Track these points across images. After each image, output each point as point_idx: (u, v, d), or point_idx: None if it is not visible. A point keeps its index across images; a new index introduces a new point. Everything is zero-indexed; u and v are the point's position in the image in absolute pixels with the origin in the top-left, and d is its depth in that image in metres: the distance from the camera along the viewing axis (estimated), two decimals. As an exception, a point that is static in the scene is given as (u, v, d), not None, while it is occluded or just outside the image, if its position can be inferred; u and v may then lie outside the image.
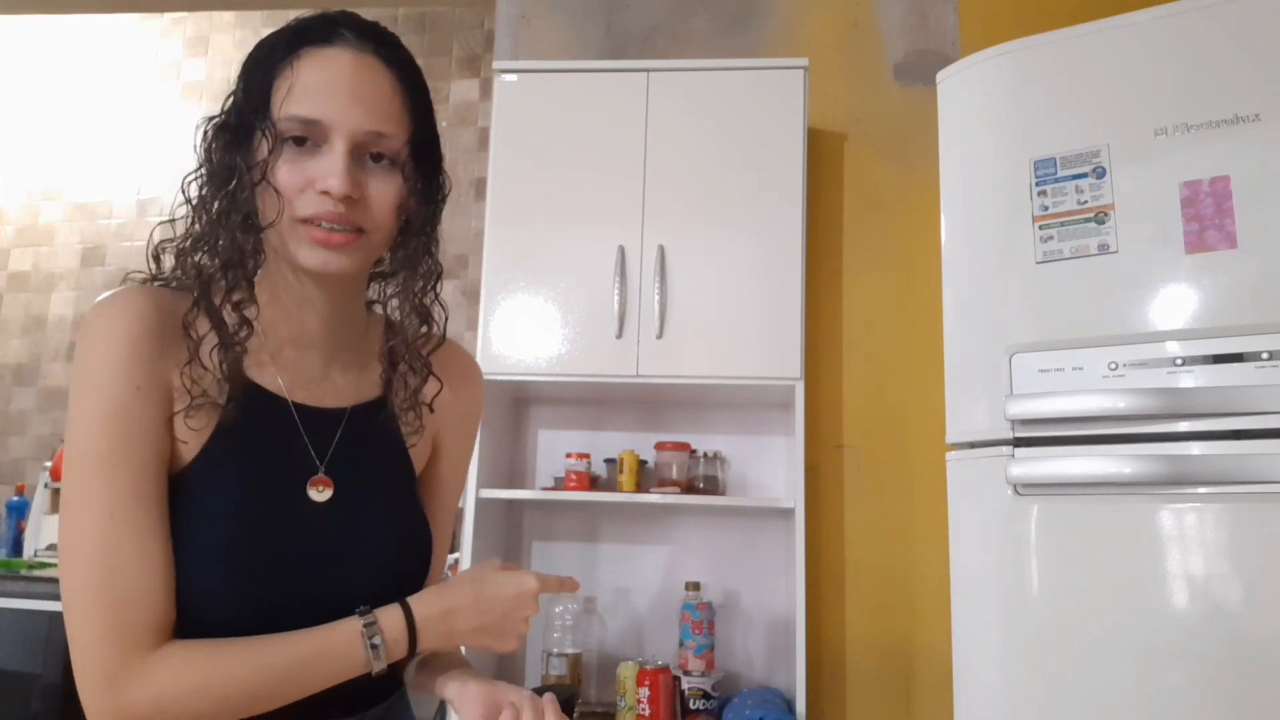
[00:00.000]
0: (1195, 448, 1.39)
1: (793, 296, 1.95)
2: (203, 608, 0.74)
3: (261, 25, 3.31)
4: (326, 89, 0.76)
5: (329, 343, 0.86)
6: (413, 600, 0.78)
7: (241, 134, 0.78)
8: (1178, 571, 1.36)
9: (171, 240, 0.79)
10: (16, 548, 2.76)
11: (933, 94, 1.78)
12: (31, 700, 2.19)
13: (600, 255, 1.99)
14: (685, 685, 1.87)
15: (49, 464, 2.85)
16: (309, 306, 0.83)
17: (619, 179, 2.02)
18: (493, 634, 0.82)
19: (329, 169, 0.75)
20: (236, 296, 0.78)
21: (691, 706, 1.85)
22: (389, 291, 0.88)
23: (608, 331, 1.96)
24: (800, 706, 1.80)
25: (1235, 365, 1.38)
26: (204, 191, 0.79)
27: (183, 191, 0.80)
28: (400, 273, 0.85)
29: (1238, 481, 1.35)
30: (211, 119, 0.80)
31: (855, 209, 2.29)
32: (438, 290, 0.88)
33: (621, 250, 1.98)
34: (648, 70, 2.07)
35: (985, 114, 1.68)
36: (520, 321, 1.99)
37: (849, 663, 2.09)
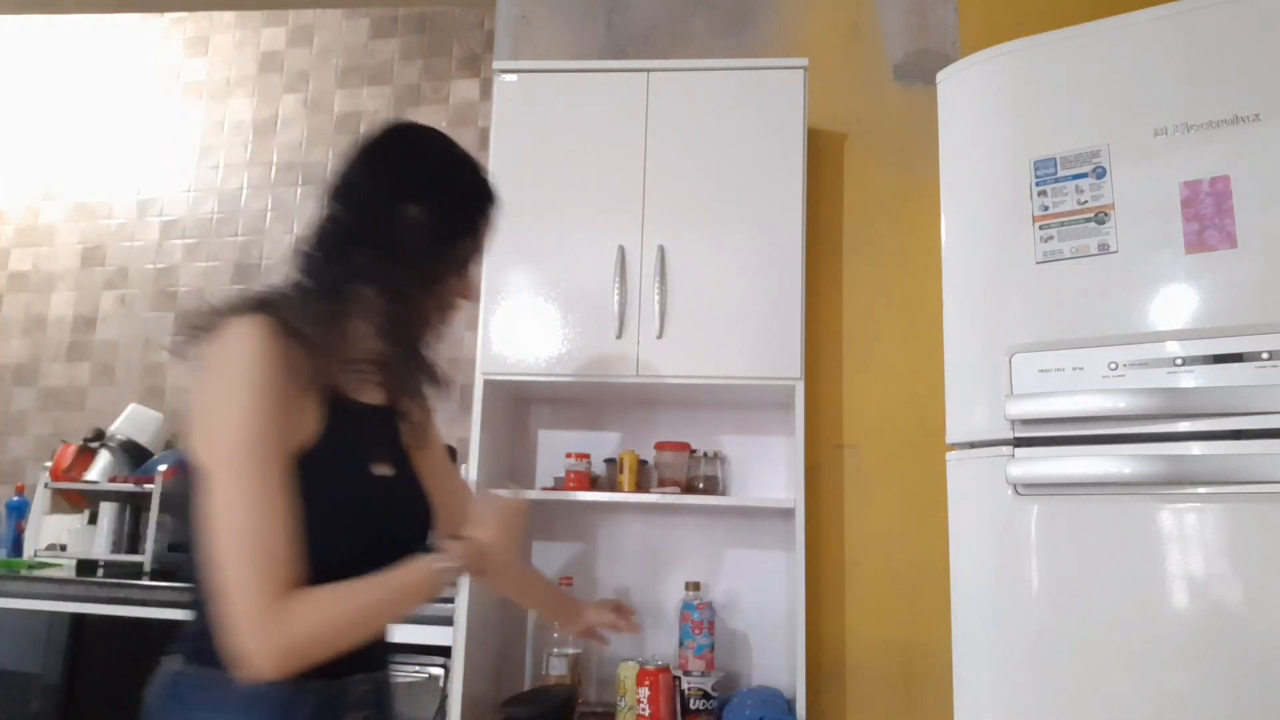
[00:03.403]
0: (1195, 448, 1.39)
1: (793, 296, 1.95)
2: (335, 549, 0.96)
3: (262, 25, 3.30)
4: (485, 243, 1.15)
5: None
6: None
7: (450, 236, 1.08)
8: (1178, 571, 1.36)
9: (268, 300, 1.01)
10: (16, 548, 2.76)
11: (933, 94, 1.78)
12: (31, 700, 2.20)
13: (600, 255, 1.99)
14: (685, 685, 1.87)
15: (49, 464, 2.85)
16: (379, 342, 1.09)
17: (619, 179, 2.02)
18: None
19: (478, 285, 1.21)
20: (435, 341, 1.12)
21: (691, 706, 1.85)
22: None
23: (608, 331, 1.96)
24: (800, 706, 1.80)
25: (1235, 365, 1.38)
26: (415, 262, 1.06)
27: (373, 237, 1.05)
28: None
29: (1238, 481, 1.35)
30: (424, 198, 1.07)
31: (855, 209, 2.29)
32: None
33: (621, 250, 1.98)
34: (648, 70, 2.07)
35: (985, 114, 1.68)
36: (520, 321, 1.99)
37: (849, 663, 2.09)
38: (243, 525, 0.88)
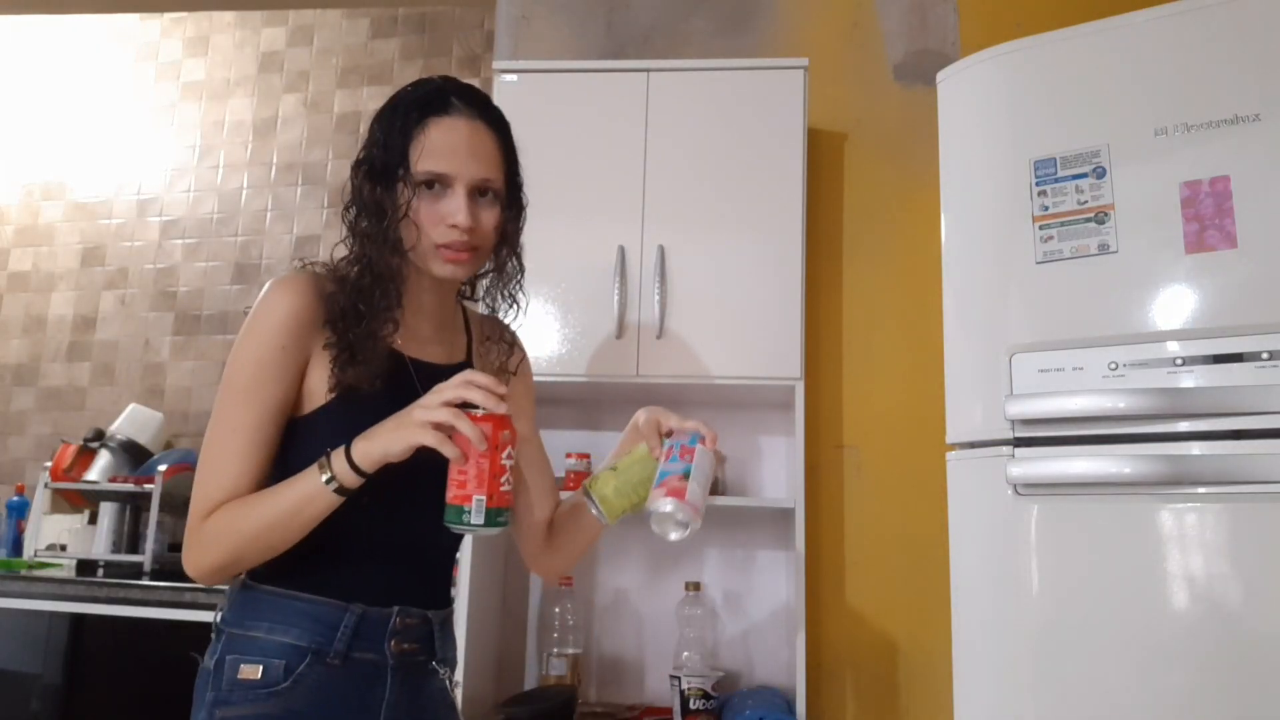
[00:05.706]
0: (1195, 448, 1.39)
1: (793, 297, 1.95)
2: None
3: (262, 25, 3.30)
4: (451, 149, 1.06)
5: (435, 318, 1.17)
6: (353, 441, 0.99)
7: (385, 179, 1.05)
8: (1178, 571, 1.36)
9: (314, 262, 1.09)
10: (16, 548, 2.76)
11: (933, 94, 1.78)
12: (31, 700, 2.20)
13: (600, 255, 1.99)
14: (685, 685, 1.87)
15: (49, 464, 2.85)
16: (425, 295, 1.14)
17: (619, 179, 2.02)
18: (393, 430, 0.98)
19: (456, 209, 1.05)
20: (384, 303, 1.05)
21: (691, 706, 1.85)
22: (485, 286, 1.20)
23: (608, 331, 1.96)
24: (800, 706, 1.80)
25: (1235, 365, 1.38)
26: (359, 222, 1.07)
27: (343, 219, 1.09)
28: (496, 272, 1.18)
29: (1238, 481, 1.35)
30: (361, 164, 1.08)
31: (855, 209, 2.29)
32: (522, 284, 1.22)
33: (621, 250, 1.98)
34: (648, 70, 2.07)
35: (985, 114, 1.68)
36: (520, 321, 1.99)
37: (849, 663, 2.09)
38: (207, 455, 1.02)
